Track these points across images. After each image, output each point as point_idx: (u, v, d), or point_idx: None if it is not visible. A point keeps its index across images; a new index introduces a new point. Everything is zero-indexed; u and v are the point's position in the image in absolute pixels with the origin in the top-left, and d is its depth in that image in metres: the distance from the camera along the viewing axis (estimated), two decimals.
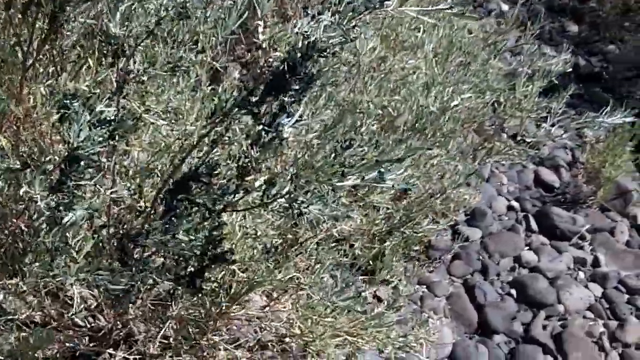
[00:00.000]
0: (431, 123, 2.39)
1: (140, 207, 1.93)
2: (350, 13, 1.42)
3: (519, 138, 3.23)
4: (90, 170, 1.76)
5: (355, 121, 2.46)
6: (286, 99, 1.51)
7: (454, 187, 2.62)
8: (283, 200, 1.67)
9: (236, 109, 1.63)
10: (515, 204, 3.93)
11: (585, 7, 5.66)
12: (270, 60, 1.46)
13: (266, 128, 1.59)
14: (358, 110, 2.41)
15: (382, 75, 2.46)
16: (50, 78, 2.21)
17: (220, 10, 2.64)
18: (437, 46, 3.14)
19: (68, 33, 2.26)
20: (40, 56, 2.28)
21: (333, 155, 1.53)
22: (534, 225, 3.81)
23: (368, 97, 2.40)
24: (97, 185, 1.99)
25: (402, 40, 3.05)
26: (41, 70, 2.25)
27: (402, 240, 2.59)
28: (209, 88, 2.58)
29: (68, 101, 1.80)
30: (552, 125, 3.14)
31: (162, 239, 1.64)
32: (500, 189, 3.99)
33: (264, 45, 1.44)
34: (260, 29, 1.42)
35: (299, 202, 1.64)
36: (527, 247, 3.70)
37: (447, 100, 2.39)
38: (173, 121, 2.00)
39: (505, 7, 5.48)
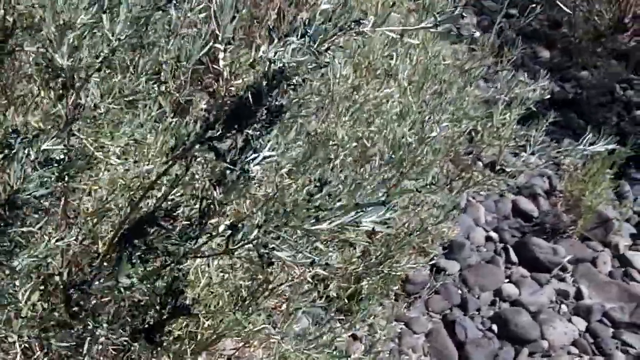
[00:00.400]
0: (408, 154, 2.22)
1: (95, 252, 1.73)
2: (322, 35, 1.25)
3: (497, 168, 3.07)
4: (36, 214, 1.57)
5: (329, 154, 2.28)
6: (251, 132, 1.32)
7: (434, 224, 2.45)
8: (250, 246, 1.49)
9: (198, 145, 1.45)
10: (493, 234, 3.76)
11: (556, 32, 5.56)
12: (232, 89, 1.28)
13: (230, 166, 1.40)
14: (331, 143, 2.23)
15: (357, 106, 2.29)
16: None
17: (184, 38, 2.47)
18: (411, 74, 2.98)
19: (18, 63, 2.07)
20: None
21: (306, 197, 1.35)
22: (513, 256, 3.64)
23: (342, 129, 2.22)
24: (45, 230, 1.79)
25: (375, 67, 2.89)
26: None
27: (379, 279, 2.41)
28: (173, 120, 2.40)
29: (12, 139, 1.61)
30: (532, 154, 2.99)
31: (109, 285, 1.44)
32: (477, 219, 3.82)
33: (224, 73, 1.25)
34: (220, 55, 1.24)
35: (268, 248, 1.45)
36: (508, 280, 3.54)
37: (425, 131, 2.23)
38: (132, 158, 1.81)
39: (477, 34, 5.35)
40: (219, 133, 1.37)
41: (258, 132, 1.40)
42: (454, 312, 3.32)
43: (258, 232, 1.45)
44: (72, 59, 1.52)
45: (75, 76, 1.56)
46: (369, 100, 2.38)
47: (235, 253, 1.53)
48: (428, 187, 2.17)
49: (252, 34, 3.37)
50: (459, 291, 3.42)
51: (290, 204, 1.36)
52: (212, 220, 1.56)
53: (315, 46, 1.21)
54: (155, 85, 2.42)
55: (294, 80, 1.26)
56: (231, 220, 1.52)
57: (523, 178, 4.11)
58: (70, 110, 1.63)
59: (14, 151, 1.53)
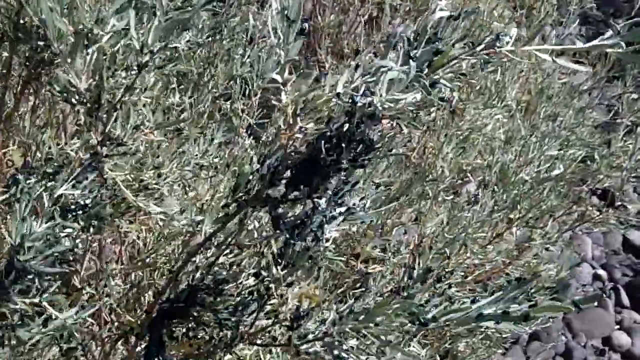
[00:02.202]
0: (524, 195, 1.70)
1: (128, 327, 1.29)
2: (436, 59, 0.76)
3: (618, 203, 2.49)
4: (42, 280, 1.13)
5: (425, 191, 1.79)
6: (322, 202, 0.85)
7: (552, 281, 1.93)
8: (319, 343, 1.01)
9: (252, 207, 0.99)
10: (602, 272, 3.17)
11: None
12: (298, 137, 0.80)
13: (294, 240, 0.93)
14: (429, 179, 1.74)
15: (462, 135, 1.79)
16: (31, 135, 1.61)
17: (262, 50, 2.03)
18: (521, 92, 2.45)
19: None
20: (24, 108, 1.68)
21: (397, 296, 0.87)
22: (625, 298, 3.05)
23: (443, 161, 1.72)
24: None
25: (479, 86, 2.36)
26: (24, 124, 1.64)
27: (480, 340, 1.91)
28: (247, 142, 1.95)
29: (22, 176, 1.19)
30: None
31: None
32: (584, 254, 3.23)
33: (287, 114, 0.78)
34: (281, 86, 0.78)
35: (341, 350, 0.98)
36: (618, 327, 2.95)
37: (547, 169, 1.71)
38: (180, 201, 1.36)
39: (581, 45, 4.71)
40: (280, 194, 0.90)
41: (335, 190, 0.93)
42: None
43: (330, 327, 0.98)
44: (93, 79, 1.08)
45: (101, 100, 1.12)
46: (475, 127, 1.87)
47: (301, 348, 1.06)
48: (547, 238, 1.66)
49: (340, 42, 2.90)
50: (563, 337, 2.86)
51: (373, 298, 0.88)
52: (272, 301, 1.09)
53: (424, 74, 0.72)
54: (227, 104, 1.99)
55: (389, 124, 0.78)
56: (296, 306, 1.05)
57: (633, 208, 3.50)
58: (99, 142, 1.19)
59: (15, 198, 1.11)
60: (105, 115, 1.12)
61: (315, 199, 0.87)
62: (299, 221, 0.96)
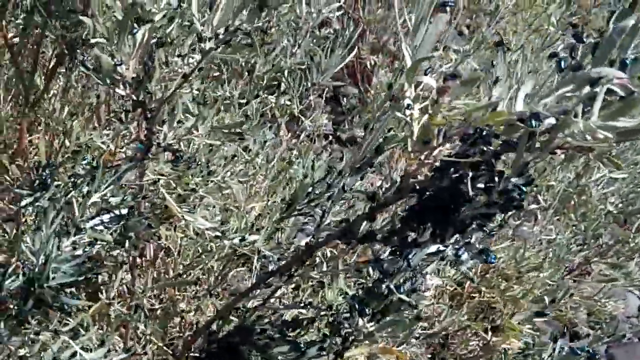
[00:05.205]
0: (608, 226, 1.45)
1: None
2: None
3: None
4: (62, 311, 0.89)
5: None
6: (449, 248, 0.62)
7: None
8: None
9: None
10: None
11: None
12: (428, 162, 0.56)
13: (391, 287, 0.70)
14: None
15: None
16: (59, 121, 1.37)
17: (315, 41, 1.80)
18: None
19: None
20: (54, 90, 1.45)
21: None
22: None
23: None
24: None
25: None
26: (52, 108, 1.41)
27: None
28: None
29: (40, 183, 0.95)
30: None
31: None
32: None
33: (414, 131, 0.53)
34: (435, 94, 0.52)
35: None
36: None
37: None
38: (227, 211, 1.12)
39: None
40: (393, 232, 0.66)
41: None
42: None
43: None
44: (143, 66, 0.84)
45: (150, 92, 0.88)
46: None
47: None
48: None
49: (384, 41, 2.63)
50: None
51: None
52: (349, 354, 0.85)
53: None
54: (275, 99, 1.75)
55: None
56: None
57: None
58: (144, 142, 0.96)
59: (42, 209, 0.87)
60: (154, 111, 0.89)
61: (440, 244, 0.63)
62: (399, 264, 0.73)
